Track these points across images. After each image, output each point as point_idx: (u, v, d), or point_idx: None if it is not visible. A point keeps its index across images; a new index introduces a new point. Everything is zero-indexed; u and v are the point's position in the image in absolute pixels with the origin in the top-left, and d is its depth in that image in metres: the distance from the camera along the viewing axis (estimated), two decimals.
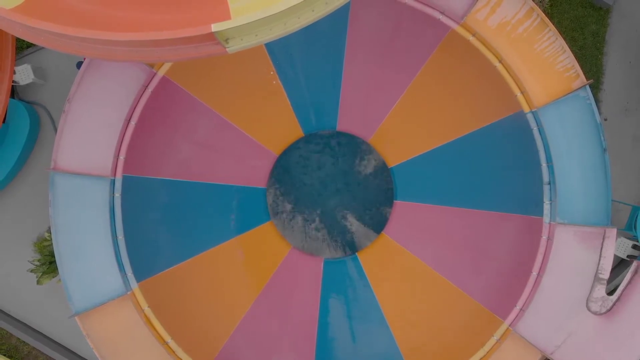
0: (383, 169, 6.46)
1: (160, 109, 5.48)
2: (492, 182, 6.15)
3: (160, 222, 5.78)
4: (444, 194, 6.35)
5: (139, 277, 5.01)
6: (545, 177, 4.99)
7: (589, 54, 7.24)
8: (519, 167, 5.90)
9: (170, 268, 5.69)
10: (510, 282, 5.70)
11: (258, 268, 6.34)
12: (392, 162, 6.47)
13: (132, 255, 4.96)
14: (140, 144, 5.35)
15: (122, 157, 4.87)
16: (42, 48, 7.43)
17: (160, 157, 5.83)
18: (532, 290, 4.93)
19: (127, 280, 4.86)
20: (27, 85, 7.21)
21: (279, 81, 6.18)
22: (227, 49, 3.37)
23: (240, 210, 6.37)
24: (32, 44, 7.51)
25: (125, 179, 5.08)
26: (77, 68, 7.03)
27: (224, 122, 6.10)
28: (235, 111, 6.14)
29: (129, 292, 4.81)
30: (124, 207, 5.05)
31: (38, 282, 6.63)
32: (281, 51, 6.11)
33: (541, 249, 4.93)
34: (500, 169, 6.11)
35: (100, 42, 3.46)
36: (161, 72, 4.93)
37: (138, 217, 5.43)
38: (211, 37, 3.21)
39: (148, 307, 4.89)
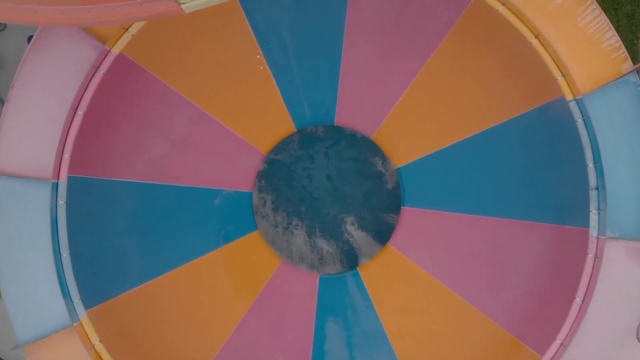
0: (388, 170, 5.62)
1: (122, 98, 4.64)
2: (516, 186, 5.30)
3: (125, 233, 4.91)
4: (460, 199, 5.50)
5: (90, 302, 4.12)
6: (593, 181, 4.08)
7: (623, 38, 6.31)
8: (549, 167, 5.08)
9: (136, 288, 4.83)
10: (541, 305, 4.87)
11: (242, 286, 5.49)
12: (399, 162, 5.62)
13: (81, 276, 4.06)
14: (96, 139, 4.51)
15: (67, 155, 3.97)
16: None
17: (125, 156, 4.97)
18: (575, 320, 4.04)
19: (74, 307, 3.95)
20: None
21: (267, 67, 5.31)
22: (182, 6, 2.46)
23: (222, 218, 5.51)
24: None
25: (76, 182, 4.21)
26: (27, 43, 6.17)
27: (201, 115, 5.24)
28: (215, 102, 5.27)
29: (75, 324, 3.89)
30: (74, 216, 4.15)
31: None
32: (269, 31, 5.26)
33: (587, 270, 4.03)
34: (525, 170, 5.26)
35: None
36: (116, 50, 4.01)
37: (95, 229, 4.59)
38: None
39: (100, 341, 3.99)
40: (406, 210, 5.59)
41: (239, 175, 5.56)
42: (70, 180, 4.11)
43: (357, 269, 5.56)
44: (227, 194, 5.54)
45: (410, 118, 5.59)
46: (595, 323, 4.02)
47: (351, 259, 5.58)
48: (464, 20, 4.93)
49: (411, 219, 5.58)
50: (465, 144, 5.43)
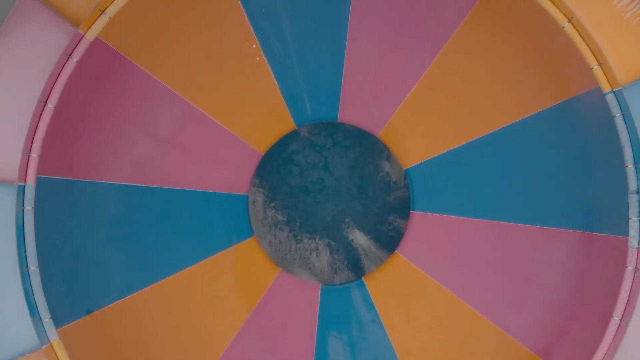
0: (397, 171, 5.19)
1: (102, 90, 4.19)
2: (538, 189, 4.85)
3: (106, 241, 4.47)
4: (475, 203, 5.06)
5: (64, 320, 3.68)
6: (633, 184, 3.63)
7: None
8: (575, 167, 4.60)
9: (118, 301, 4.39)
10: (567, 321, 4.41)
11: (238, 298, 5.05)
12: (408, 163, 5.20)
13: (54, 291, 3.62)
14: (72, 136, 4.06)
15: (35, 155, 3.51)
16: None
17: (107, 156, 4.53)
18: (613, 341, 3.60)
19: (43, 327, 3.50)
20: None
21: (264, 57, 4.88)
22: None
23: (215, 223, 5.08)
24: None
25: (48, 185, 3.76)
26: None
27: (192, 111, 4.81)
28: (207, 96, 4.84)
29: (44, 346, 3.45)
30: (47, 224, 3.73)
31: None
32: (266, 19, 4.82)
33: (625, 285, 3.58)
34: (548, 171, 4.81)
35: None
36: (91, 35, 3.55)
37: (71, 237, 4.14)
38: None
39: None
40: (416, 215, 5.16)
41: (233, 176, 5.13)
42: (41, 183, 3.67)
43: (363, 278, 5.14)
44: (220, 197, 5.10)
45: (421, 114, 5.15)
46: (636, 344, 3.58)
47: (356, 268, 5.16)
48: (480, 7, 4.53)
49: (422, 225, 5.16)
50: (482, 143, 4.99)
